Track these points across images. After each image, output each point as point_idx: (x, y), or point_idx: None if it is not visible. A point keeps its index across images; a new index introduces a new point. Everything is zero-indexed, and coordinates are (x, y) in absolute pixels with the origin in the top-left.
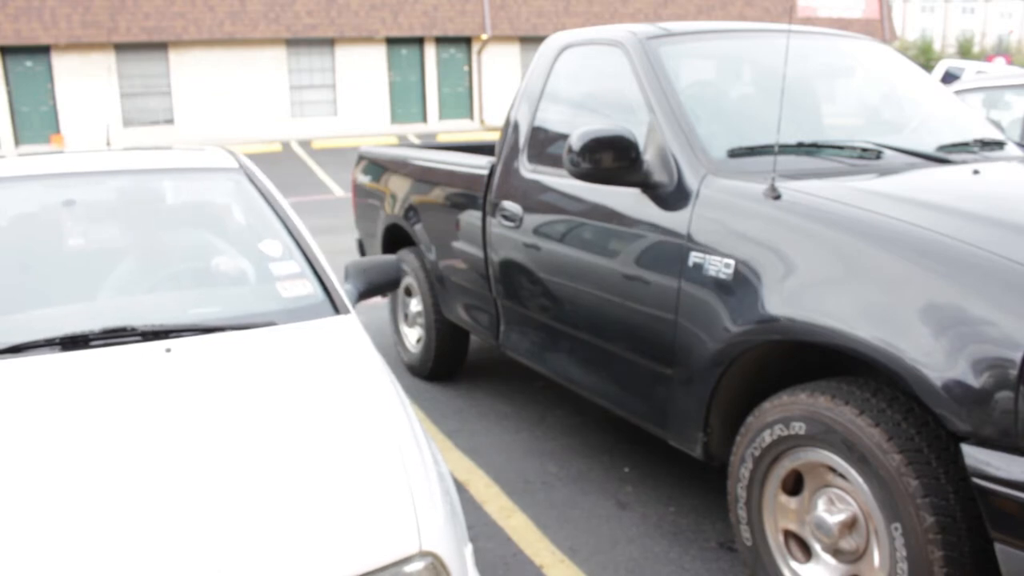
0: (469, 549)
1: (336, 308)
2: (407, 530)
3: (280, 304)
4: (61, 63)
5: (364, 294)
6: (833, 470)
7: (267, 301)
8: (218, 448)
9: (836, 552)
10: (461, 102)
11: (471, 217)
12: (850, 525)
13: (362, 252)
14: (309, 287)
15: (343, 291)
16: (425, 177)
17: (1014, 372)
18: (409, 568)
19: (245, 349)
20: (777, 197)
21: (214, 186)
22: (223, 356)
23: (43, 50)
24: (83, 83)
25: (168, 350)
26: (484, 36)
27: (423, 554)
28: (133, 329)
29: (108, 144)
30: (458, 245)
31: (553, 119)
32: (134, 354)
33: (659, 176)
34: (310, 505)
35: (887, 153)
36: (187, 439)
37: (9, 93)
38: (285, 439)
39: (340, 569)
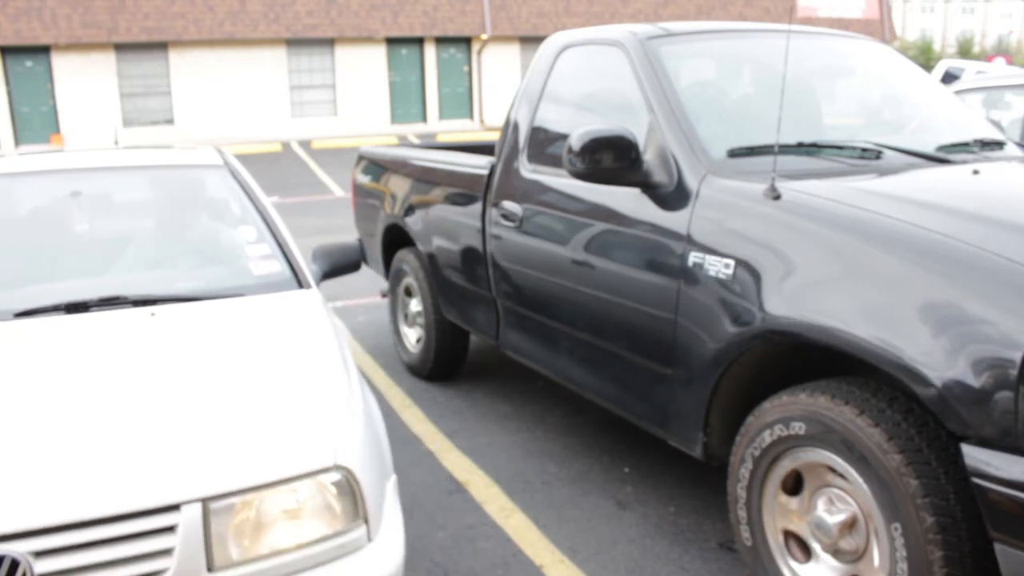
0: (393, 480)
1: (300, 283)
2: (325, 448)
3: (251, 280)
4: (61, 63)
5: (328, 274)
6: (833, 470)
7: (240, 277)
8: (178, 379)
9: (836, 552)
10: (461, 102)
11: (471, 217)
12: (850, 525)
13: (362, 252)
14: (278, 266)
15: (308, 271)
16: (425, 177)
17: (1014, 372)
18: (323, 478)
19: (217, 313)
20: (777, 197)
21: (201, 180)
22: (197, 317)
23: (43, 50)
24: (83, 83)
25: (152, 314)
26: (484, 36)
27: (337, 468)
28: (125, 298)
29: (116, 143)
30: (458, 245)
31: (553, 119)
32: (124, 316)
33: (659, 176)
34: (245, 423)
35: (887, 153)
36: (156, 372)
37: (9, 93)
38: (234, 374)
39: (265, 473)
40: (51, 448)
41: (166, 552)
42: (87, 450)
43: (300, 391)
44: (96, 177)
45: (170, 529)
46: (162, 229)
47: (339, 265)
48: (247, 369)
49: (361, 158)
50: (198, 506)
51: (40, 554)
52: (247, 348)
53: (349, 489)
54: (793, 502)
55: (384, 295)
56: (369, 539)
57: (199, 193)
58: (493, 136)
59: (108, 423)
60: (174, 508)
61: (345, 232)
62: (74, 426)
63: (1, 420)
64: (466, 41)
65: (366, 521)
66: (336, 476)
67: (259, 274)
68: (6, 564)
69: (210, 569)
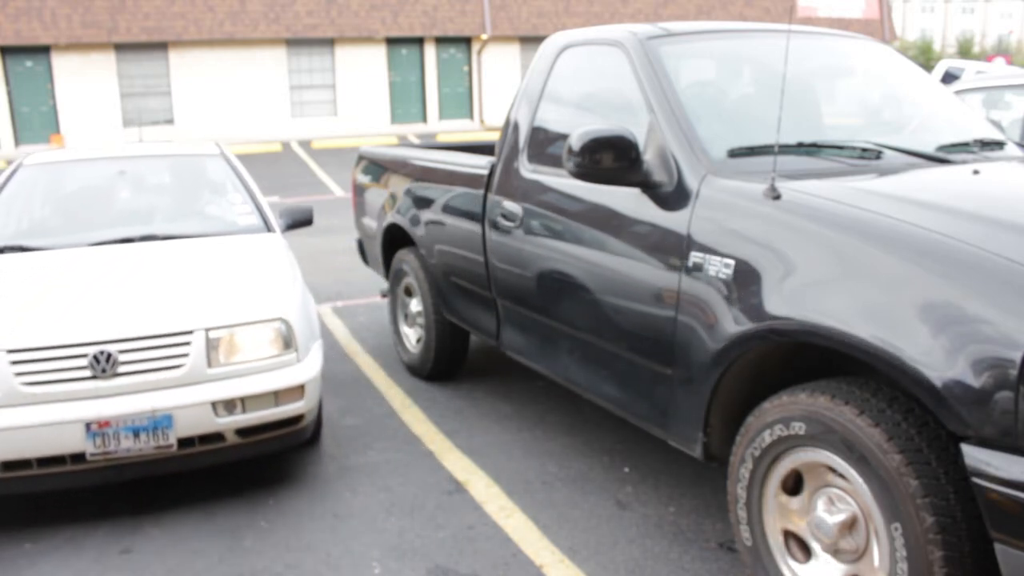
0: (319, 342)
1: (269, 229)
2: (274, 307)
3: (236, 227)
4: (61, 63)
5: (290, 226)
6: (833, 470)
7: (229, 224)
8: (189, 271)
9: (836, 552)
10: (461, 102)
11: (471, 217)
12: (850, 525)
13: (362, 252)
14: (254, 219)
15: (276, 223)
16: (425, 177)
17: (1014, 372)
18: (271, 324)
19: (213, 243)
20: (777, 197)
21: (203, 165)
22: (201, 245)
23: (43, 50)
24: (83, 83)
25: (174, 244)
26: (484, 36)
27: (280, 319)
28: (156, 235)
29: (141, 140)
30: (458, 245)
31: (553, 119)
32: (156, 244)
33: (659, 176)
34: (228, 291)
35: (887, 153)
36: (176, 268)
37: (9, 93)
38: (222, 269)
39: (240, 317)
40: (124, 299)
41: (185, 355)
42: (142, 301)
43: (261, 279)
44: (132, 162)
45: (187, 343)
46: (178, 195)
47: (297, 220)
48: (230, 268)
49: (361, 158)
50: (203, 332)
51: (123, 351)
52: (230, 258)
53: (287, 331)
54: (793, 502)
55: (384, 295)
56: (298, 360)
57: (202, 173)
58: (493, 136)
59: (152, 289)
60: (190, 333)
61: (345, 232)
62: (134, 290)
63: (95, 289)
64: (466, 41)
65: (296, 350)
66: (279, 324)
67: (242, 224)
68: (105, 354)
69: (209, 366)
